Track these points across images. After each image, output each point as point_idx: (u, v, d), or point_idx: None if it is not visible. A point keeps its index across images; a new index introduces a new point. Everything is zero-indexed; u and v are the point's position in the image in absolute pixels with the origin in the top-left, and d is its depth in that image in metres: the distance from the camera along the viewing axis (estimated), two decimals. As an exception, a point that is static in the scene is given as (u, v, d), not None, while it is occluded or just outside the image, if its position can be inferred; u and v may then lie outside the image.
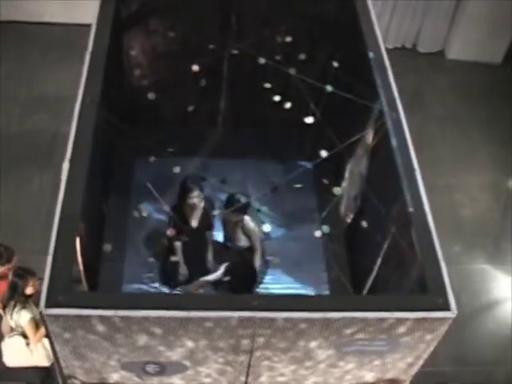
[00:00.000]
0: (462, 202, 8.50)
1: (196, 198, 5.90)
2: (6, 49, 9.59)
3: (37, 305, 5.32)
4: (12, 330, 5.84)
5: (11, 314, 5.72)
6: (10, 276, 5.69)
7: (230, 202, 5.92)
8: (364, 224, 5.11)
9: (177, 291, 6.13)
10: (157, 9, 6.24)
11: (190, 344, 4.08)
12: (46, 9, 9.83)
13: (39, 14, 9.89)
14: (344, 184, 6.18)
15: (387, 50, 5.71)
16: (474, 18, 9.72)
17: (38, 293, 5.40)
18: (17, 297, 5.68)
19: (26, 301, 5.70)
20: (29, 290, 5.68)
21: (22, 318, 5.70)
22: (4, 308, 5.81)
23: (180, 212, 6.01)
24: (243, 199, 5.86)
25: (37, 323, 5.66)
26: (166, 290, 6.18)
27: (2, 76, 9.27)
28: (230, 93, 6.72)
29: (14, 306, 5.69)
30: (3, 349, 5.92)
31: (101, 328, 3.88)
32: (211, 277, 5.89)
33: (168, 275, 6.21)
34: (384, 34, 9.25)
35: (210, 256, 6.21)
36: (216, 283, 5.74)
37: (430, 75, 10.06)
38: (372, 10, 6.00)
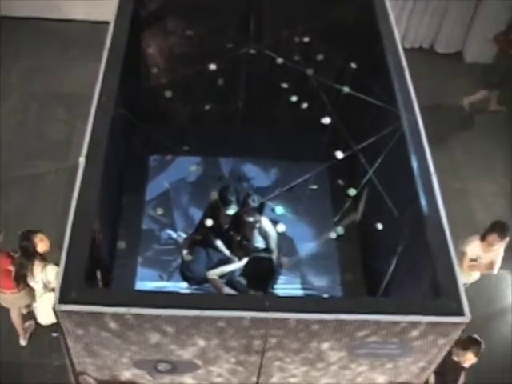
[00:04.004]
0: (477, 206, 8.44)
1: (233, 210, 6.05)
2: (25, 45, 9.66)
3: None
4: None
5: (35, 278, 5.75)
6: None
7: (246, 201, 5.97)
8: (379, 226, 5.09)
9: (194, 288, 6.18)
10: (175, 7, 6.25)
11: (201, 343, 4.09)
12: (65, 6, 9.86)
13: (58, 11, 9.93)
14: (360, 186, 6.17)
15: (404, 50, 5.69)
16: (492, 20, 9.64)
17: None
18: (32, 258, 5.72)
19: (44, 258, 5.74)
20: (40, 248, 5.72)
21: (48, 273, 5.75)
22: (17, 283, 5.86)
23: (213, 212, 6.11)
24: (258, 199, 5.89)
25: None
26: (184, 286, 6.23)
27: (20, 72, 9.32)
28: (247, 92, 6.70)
29: (32, 268, 5.73)
30: (36, 310, 6.05)
31: (113, 325, 3.90)
32: (231, 266, 5.91)
33: (187, 272, 6.24)
34: (402, 35, 9.22)
35: (233, 254, 6.29)
36: (232, 281, 5.73)
37: (448, 78, 9.97)
38: (390, 10, 5.98)
